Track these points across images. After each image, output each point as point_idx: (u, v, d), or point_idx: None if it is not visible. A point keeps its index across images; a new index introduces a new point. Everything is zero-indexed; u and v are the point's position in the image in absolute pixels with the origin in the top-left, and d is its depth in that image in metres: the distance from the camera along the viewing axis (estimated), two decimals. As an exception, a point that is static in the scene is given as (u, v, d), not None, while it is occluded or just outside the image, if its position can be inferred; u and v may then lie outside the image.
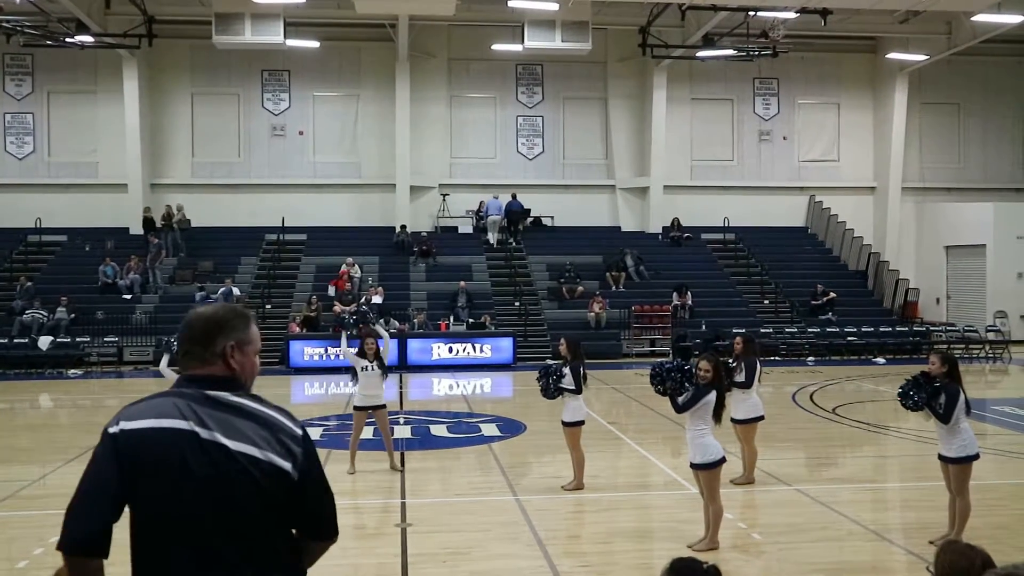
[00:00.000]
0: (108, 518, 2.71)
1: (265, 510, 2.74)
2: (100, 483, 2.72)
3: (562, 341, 10.18)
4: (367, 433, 11.66)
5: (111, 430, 2.75)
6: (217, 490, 2.69)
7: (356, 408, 10.99)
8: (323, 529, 2.91)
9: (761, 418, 10.33)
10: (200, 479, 2.69)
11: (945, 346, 26.05)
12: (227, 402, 2.79)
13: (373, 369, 10.83)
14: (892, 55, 29.40)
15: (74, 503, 2.72)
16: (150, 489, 2.71)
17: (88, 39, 25.85)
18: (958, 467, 7.74)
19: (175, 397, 2.80)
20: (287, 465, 2.76)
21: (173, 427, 2.72)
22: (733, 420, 10.23)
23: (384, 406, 11.03)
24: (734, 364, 10.30)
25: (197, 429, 2.72)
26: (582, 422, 9.93)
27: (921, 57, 28.99)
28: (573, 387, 9.77)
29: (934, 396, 7.72)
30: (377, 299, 24.94)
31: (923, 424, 15.29)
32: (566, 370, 9.80)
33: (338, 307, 24.70)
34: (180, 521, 2.70)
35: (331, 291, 25.52)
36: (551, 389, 9.80)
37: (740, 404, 10.23)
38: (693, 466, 7.95)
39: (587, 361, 10.45)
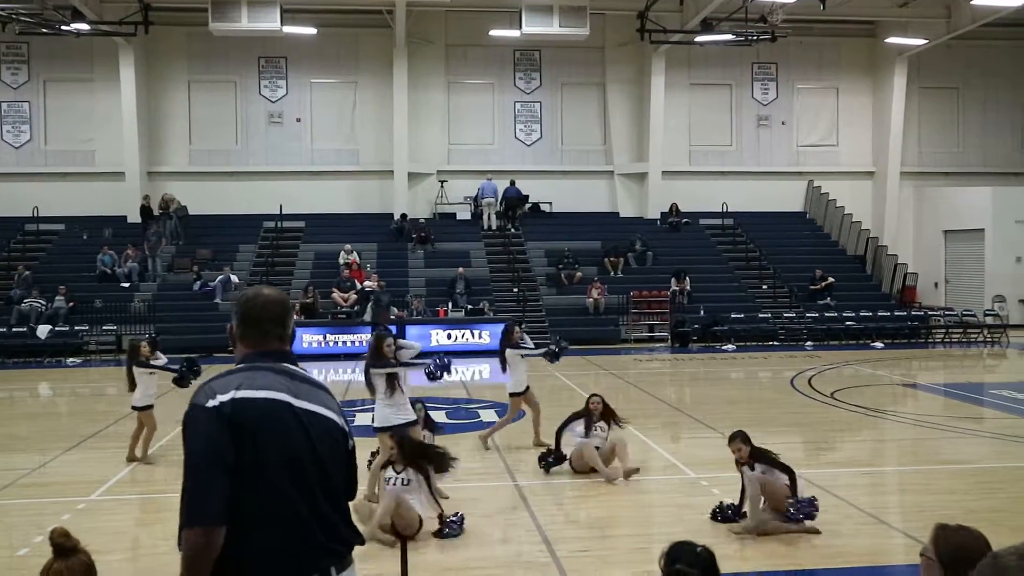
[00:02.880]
0: (228, 488, 2.82)
1: (343, 471, 3.10)
2: (213, 454, 2.84)
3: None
4: (365, 419, 11.68)
5: (210, 404, 2.89)
6: (314, 455, 2.97)
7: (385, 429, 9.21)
8: (354, 489, 3.27)
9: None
10: (299, 446, 2.94)
11: (944, 331, 26.10)
12: (300, 374, 3.11)
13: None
14: (891, 39, 29.31)
15: (191, 480, 2.84)
16: (258, 457, 2.87)
17: (84, 27, 25.74)
18: None
19: (261, 371, 3.02)
20: (347, 430, 3.15)
21: (273, 398, 2.94)
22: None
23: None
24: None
25: (290, 400, 2.98)
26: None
27: (920, 41, 28.90)
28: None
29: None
30: (370, 284, 24.91)
31: (921, 408, 15.36)
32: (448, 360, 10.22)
33: (337, 294, 24.70)
34: (287, 486, 2.90)
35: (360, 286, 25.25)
36: (436, 374, 10.09)
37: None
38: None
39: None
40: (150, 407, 10.98)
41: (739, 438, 8.00)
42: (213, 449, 2.83)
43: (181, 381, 10.28)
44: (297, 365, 3.14)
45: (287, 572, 2.91)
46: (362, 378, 9.58)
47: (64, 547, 3.16)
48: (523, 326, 12.63)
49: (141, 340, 11.59)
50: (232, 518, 2.82)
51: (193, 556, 2.78)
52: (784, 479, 7.86)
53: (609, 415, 10.32)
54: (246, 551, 2.85)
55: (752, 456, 7.89)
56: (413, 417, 9.24)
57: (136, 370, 10.95)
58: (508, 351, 11.61)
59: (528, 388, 11.68)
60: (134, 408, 11.07)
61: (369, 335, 12.05)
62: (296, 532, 2.91)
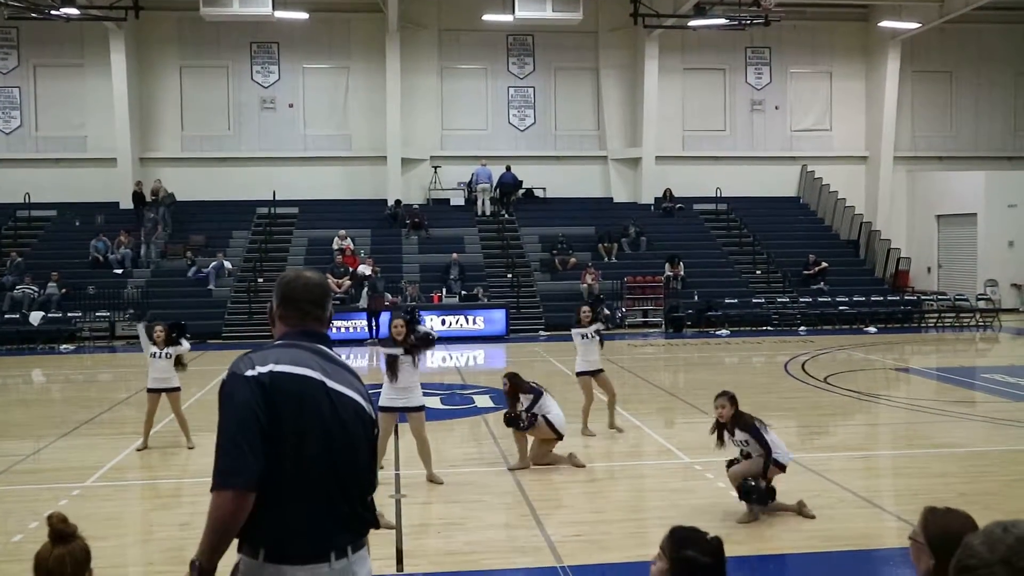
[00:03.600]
0: (262, 455, 2.90)
1: (367, 456, 3.16)
2: (251, 420, 2.91)
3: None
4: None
5: (249, 373, 2.97)
6: (343, 433, 3.05)
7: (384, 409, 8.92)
8: (375, 479, 3.32)
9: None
10: (330, 423, 3.02)
11: (936, 316, 26.20)
12: (333, 357, 3.19)
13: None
14: (884, 23, 29.26)
15: (226, 444, 2.91)
16: (291, 430, 2.95)
17: (74, 12, 25.55)
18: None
19: (298, 349, 3.12)
20: (373, 417, 3.24)
21: (308, 375, 3.03)
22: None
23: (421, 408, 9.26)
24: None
25: (324, 379, 3.06)
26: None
27: (913, 25, 28.86)
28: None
29: (763, 489, 7.66)
30: (365, 269, 24.86)
31: (914, 392, 15.41)
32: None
33: (331, 279, 24.66)
34: (317, 461, 2.98)
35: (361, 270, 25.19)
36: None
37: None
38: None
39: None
40: (157, 391, 10.82)
41: (724, 396, 7.87)
42: (251, 415, 2.91)
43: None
44: (332, 348, 3.22)
45: (308, 545, 2.97)
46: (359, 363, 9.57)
47: (64, 532, 3.16)
48: (594, 306, 11.91)
49: (158, 323, 11.50)
50: (261, 489, 2.89)
51: (222, 519, 2.85)
52: (759, 461, 7.72)
53: (519, 391, 9.83)
54: (271, 522, 2.92)
55: (735, 420, 7.79)
56: (413, 404, 9.07)
57: (147, 353, 10.91)
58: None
59: (586, 372, 11.39)
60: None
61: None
62: (320, 507, 2.98)
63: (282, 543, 2.95)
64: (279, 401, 2.94)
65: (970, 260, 28.85)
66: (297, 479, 2.95)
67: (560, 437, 9.67)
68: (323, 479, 2.99)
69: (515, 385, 9.90)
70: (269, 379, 2.96)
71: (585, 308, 11.55)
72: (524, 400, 9.79)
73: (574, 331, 11.48)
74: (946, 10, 28.02)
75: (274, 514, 2.91)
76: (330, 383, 3.06)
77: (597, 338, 11.33)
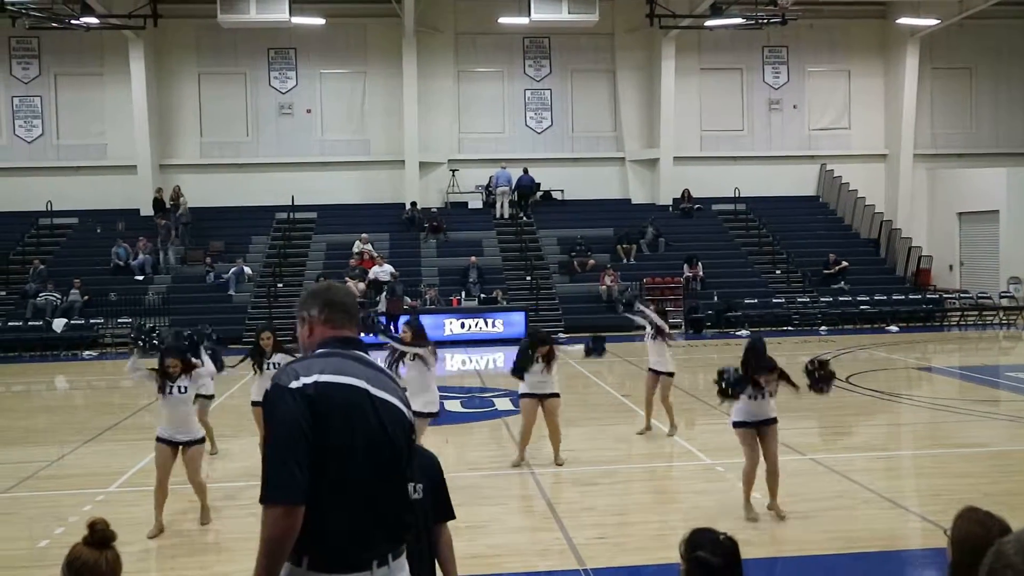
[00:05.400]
0: (307, 468, 2.90)
1: (408, 461, 3.17)
2: (297, 433, 2.91)
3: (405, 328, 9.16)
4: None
5: (293, 385, 2.97)
6: (386, 441, 3.05)
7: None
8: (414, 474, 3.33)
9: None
10: (375, 431, 3.02)
11: (959, 314, 26.01)
12: (373, 363, 3.21)
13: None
14: (902, 20, 29.06)
15: (273, 459, 2.92)
16: (337, 441, 2.95)
17: (93, 21, 25.78)
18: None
19: (340, 357, 3.11)
20: (413, 422, 3.24)
21: (353, 384, 3.04)
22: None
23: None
24: None
25: (368, 387, 3.07)
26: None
27: (932, 21, 28.66)
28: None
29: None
30: (384, 274, 24.89)
31: (936, 392, 15.29)
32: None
33: (351, 284, 24.73)
34: (362, 470, 2.98)
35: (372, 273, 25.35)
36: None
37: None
38: None
39: (601, 334, 10.61)
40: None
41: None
42: (297, 428, 2.90)
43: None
44: (368, 353, 3.24)
45: (351, 553, 2.98)
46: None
47: (112, 537, 3.23)
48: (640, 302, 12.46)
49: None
50: (307, 500, 2.89)
51: (276, 538, 2.84)
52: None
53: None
54: (315, 530, 2.92)
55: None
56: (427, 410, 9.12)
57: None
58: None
59: (651, 370, 11.66)
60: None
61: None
62: (365, 516, 3.00)
63: (325, 551, 2.96)
64: (325, 412, 2.94)
65: (992, 257, 28.59)
66: (342, 488, 2.95)
67: None
68: (367, 487, 2.99)
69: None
70: (315, 390, 2.96)
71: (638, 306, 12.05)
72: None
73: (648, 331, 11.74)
74: (965, 6, 27.81)
75: (318, 522, 2.91)
76: (373, 390, 3.07)
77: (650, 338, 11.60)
